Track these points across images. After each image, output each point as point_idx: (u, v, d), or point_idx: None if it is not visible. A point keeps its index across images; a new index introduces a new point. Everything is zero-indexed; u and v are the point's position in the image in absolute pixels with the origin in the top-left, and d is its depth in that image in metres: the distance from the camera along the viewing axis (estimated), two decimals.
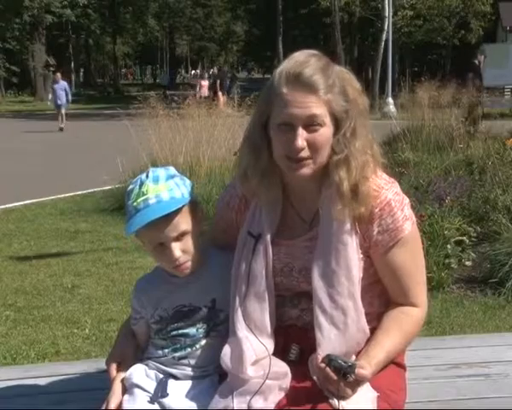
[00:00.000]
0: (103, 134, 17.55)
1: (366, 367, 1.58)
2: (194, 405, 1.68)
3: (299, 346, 1.71)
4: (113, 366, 1.78)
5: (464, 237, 5.19)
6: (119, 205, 7.69)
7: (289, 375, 1.64)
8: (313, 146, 1.62)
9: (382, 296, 1.77)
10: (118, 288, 5.16)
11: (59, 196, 9.36)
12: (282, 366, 1.65)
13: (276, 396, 1.61)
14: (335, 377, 1.55)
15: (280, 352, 1.70)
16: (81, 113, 29.54)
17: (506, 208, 5.73)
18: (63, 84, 21.46)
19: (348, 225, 1.67)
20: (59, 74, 22.73)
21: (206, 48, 73.20)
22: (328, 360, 1.56)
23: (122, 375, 1.75)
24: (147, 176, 1.72)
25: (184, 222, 1.72)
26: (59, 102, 20.76)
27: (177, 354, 1.77)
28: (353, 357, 1.65)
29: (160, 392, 1.71)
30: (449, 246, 5.00)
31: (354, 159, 1.64)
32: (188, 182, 1.79)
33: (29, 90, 44.87)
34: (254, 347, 1.66)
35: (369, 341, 1.69)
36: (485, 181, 6.61)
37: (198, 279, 1.77)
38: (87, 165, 11.90)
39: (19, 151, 15.26)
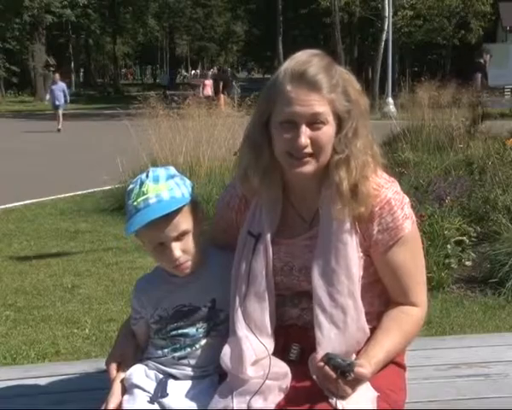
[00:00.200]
0: (103, 134, 17.55)
1: (365, 366, 1.58)
2: (193, 405, 1.68)
3: (299, 346, 1.71)
4: (113, 367, 1.78)
5: (464, 237, 5.18)
6: (119, 205, 7.69)
7: (289, 375, 1.64)
8: (316, 144, 1.62)
9: (382, 296, 1.77)
10: (118, 288, 5.16)
11: (59, 196, 9.36)
12: (282, 367, 1.65)
13: (276, 396, 1.61)
14: (334, 376, 1.55)
15: (280, 352, 1.70)
16: (81, 113, 29.58)
17: (506, 208, 5.73)
18: (61, 85, 21.38)
19: (348, 225, 1.67)
20: (57, 75, 22.68)
21: (206, 48, 73.24)
22: (327, 358, 1.56)
23: (122, 375, 1.75)
24: (147, 176, 1.72)
25: (185, 222, 1.72)
26: (57, 102, 20.67)
27: (176, 354, 1.77)
28: (353, 356, 1.65)
29: (160, 392, 1.71)
30: (449, 246, 5.00)
31: (355, 159, 1.64)
32: (188, 182, 1.79)
33: (29, 90, 44.89)
34: (254, 347, 1.66)
35: (368, 340, 1.69)
36: (485, 181, 6.61)
37: (198, 279, 1.77)
38: (87, 165, 11.90)
39: (19, 151, 15.26)
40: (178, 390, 1.72)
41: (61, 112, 20.66)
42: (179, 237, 1.71)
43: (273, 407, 1.60)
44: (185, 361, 1.76)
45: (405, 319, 1.73)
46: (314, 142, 1.62)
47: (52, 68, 38.99)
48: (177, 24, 63.06)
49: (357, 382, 1.56)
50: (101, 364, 1.96)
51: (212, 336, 1.77)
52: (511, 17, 31.98)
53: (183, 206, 1.71)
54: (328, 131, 1.63)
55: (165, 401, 1.69)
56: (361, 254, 1.70)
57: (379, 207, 1.68)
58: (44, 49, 44.06)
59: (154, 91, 14.35)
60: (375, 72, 25.52)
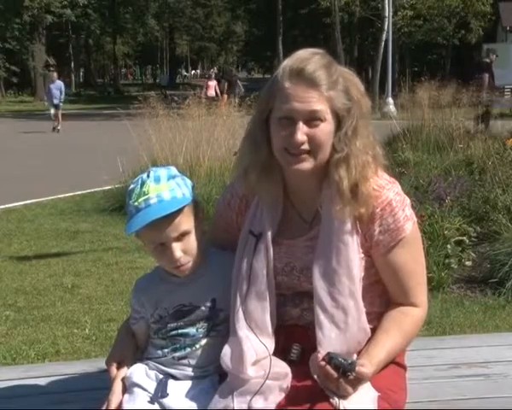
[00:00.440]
0: (103, 134, 17.54)
1: (366, 365, 1.58)
2: (194, 405, 1.68)
3: (300, 346, 1.71)
4: (113, 366, 1.78)
5: (464, 237, 5.19)
6: (119, 205, 7.70)
7: (290, 375, 1.64)
8: (313, 141, 1.62)
9: (383, 296, 1.77)
10: (118, 288, 5.16)
11: (59, 196, 9.36)
12: (282, 367, 1.65)
13: (277, 396, 1.61)
14: (336, 375, 1.55)
15: (281, 351, 1.70)
16: (81, 113, 29.58)
17: (506, 208, 5.74)
18: (59, 83, 21.25)
19: (349, 225, 1.67)
20: (55, 74, 22.56)
21: (206, 48, 73.22)
22: (329, 358, 1.56)
23: (122, 375, 1.75)
24: (148, 176, 1.72)
25: (185, 222, 1.72)
26: (55, 101, 20.57)
27: (176, 354, 1.77)
28: (354, 356, 1.65)
29: (160, 392, 1.71)
30: (449, 246, 5.01)
31: (354, 158, 1.64)
32: (189, 182, 1.78)
33: (29, 90, 44.90)
34: (255, 347, 1.66)
35: (369, 340, 1.69)
36: (485, 181, 6.62)
37: (198, 279, 1.77)
38: (87, 165, 11.90)
39: (19, 151, 15.26)
40: (178, 390, 1.72)
41: (59, 112, 20.63)
42: (180, 238, 1.71)
43: (274, 406, 1.60)
44: (185, 361, 1.76)
45: (406, 320, 1.73)
46: (311, 139, 1.62)
47: (52, 68, 38.99)
48: (177, 24, 63.04)
49: (358, 381, 1.56)
50: (101, 364, 1.96)
51: (212, 336, 1.76)
52: (511, 17, 31.97)
53: (184, 206, 1.71)
54: (325, 129, 1.63)
55: (165, 401, 1.69)
56: (362, 255, 1.70)
57: (380, 208, 1.68)
58: (44, 49, 44.08)
59: (154, 91, 14.36)
60: (375, 72, 25.54)
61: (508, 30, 32.37)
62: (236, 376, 1.63)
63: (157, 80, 62.72)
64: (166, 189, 1.70)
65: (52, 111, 20.49)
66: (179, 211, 1.70)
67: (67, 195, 9.44)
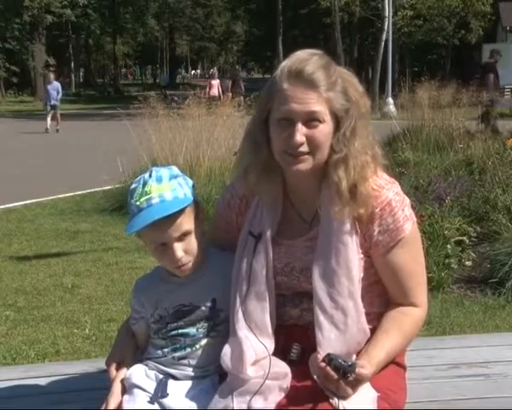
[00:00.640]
0: (103, 134, 17.54)
1: (366, 366, 1.58)
2: (194, 405, 1.68)
3: (300, 346, 1.71)
4: (113, 367, 1.78)
5: (464, 237, 5.19)
6: (119, 205, 7.70)
7: (289, 375, 1.64)
8: (312, 142, 1.62)
9: (383, 296, 1.77)
10: (118, 288, 5.16)
11: (59, 196, 9.36)
12: (282, 367, 1.65)
13: (277, 396, 1.61)
14: (336, 377, 1.55)
15: (280, 351, 1.70)
16: (81, 113, 29.57)
17: (506, 208, 5.74)
18: (56, 84, 21.16)
19: (348, 225, 1.67)
20: (52, 74, 22.47)
21: (206, 48, 73.25)
22: (329, 359, 1.56)
23: (122, 375, 1.75)
24: (150, 175, 1.72)
25: (187, 222, 1.72)
26: (53, 102, 20.47)
27: (176, 354, 1.77)
28: (354, 357, 1.65)
29: (160, 392, 1.71)
30: (449, 246, 5.00)
31: (353, 158, 1.64)
32: (190, 182, 1.78)
33: (29, 90, 44.93)
34: (254, 347, 1.66)
35: (369, 341, 1.69)
36: (485, 181, 6.62)
37: (198, 279, 1.77)
38: (87, 165, 11.91)
39: (19, 151, 15.26)
40: (178, 390, 1.72)
41: (58, 111, 20.52)
42: (181, 238, 1.71)
43: (273, 406, 1.60)
44: (185, 361, 1.76)
45: (405, 320, 1.73)
46: (310, 140, 1.62)
47: (52, 68, 38.98)
48: (177, 24, 63.07)
49: (357, 382, 1.56)
50: (101, 364, 1.96)
51: (212, 336, 1.76)
52: (511, 17, 31.96)
53: (186, 206, 1.71)
54: (324, 130, 1.63)
55: (165, 401, 1.69)
56: (361, 256, 1.70)
57: (379, 208, 1.68)
58: (44, 49, 44.10)
59: (154, 91, 14.36)
60: (375, 72, 25.54)
61: (508, 30, 32.35)
62: (236, 376, 1.63)
63: (157, 80, 62.75)
64: (168, 189, 1.70)
65: (50, 112, 20.37)
66: (181, 211, 1.70)
67: (67, 195, 9.44)
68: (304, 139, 1.62)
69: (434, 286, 4.73)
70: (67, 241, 6.78)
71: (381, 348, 1.67)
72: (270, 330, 1.70)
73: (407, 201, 1.73)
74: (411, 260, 1.74)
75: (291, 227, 1.76)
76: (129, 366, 1.77)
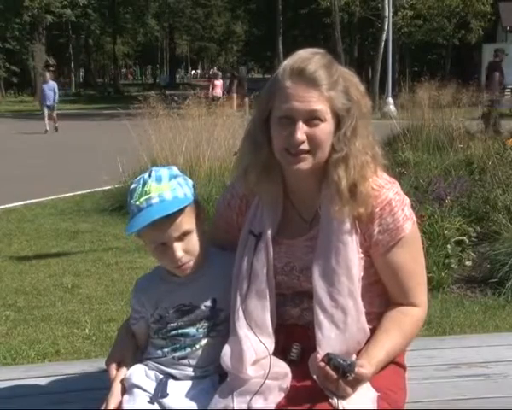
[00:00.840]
0: (103, 134, 17.54)
1: (366, 366, 1.58)
2: (194, 405, 1.68)
3: (300, 345, 1.71)
4: (113, 367, 1.77)
5: (464, 237, 5.19)
6: (119, 205, 7.70)
7: (289, 375, 1.64)
8: (313, 140, 1.63)
9: (382, 296, 1.77)
10: (118, 288, 5.16)
11: (59, 196, 9.37)
12: (282, 367, 1.65)
13: (277, 397, 1.61)
14: (335, 376, 1.55)
15: (280, 351, 1.70)
16: (81, 113, 29.58)
17: (506, 208, 5.74)
18: (52, 84, 20.83)
19: (348, 225, 1.67)
20: (48, 74, 22.17)
21: (206, 48, 73.25)
22: (328, 358, 1.56)
23: (122, 375, 1.75)
24: (150, 175, 1.72)
25: (187, 222, 1.72)
26: (48, 102, 20.17)
27: (176, 354, 1.77)
28: (354, 356, 1.65)
29: (160, 392, 1.71)
30: (449, 246, 5.01)
31: (353, 158, 1.65)
32: (190, 182, 1.78)
33: (29, 90, 44.93)
34: (255, 346, 1.66)
35: (369, 341, 1.69)
36: (485, 181, 6.62)
37: (199, 279, 1.77)
38: (87, 165, 11.91)
39: (19, 151, 15.26)
40: (178, 390, 1.72)
41: (55, 112, 20.25)
42: (181, 237, 1.71)
43: (273, 406, 1.60)
44: (185, 361, 1.76)
45: (405, 320, 1.73)
46: (311, 139, 1.62)
47: (52, 68, 38.98)
48: (177, 24, 63.06)
49: (357, 382, 1.56)
50: (101, 364, 1.96)
51: (212, 336, 1.76)
52: (511, 17, 31.96)
53: (186, 206, 1.71)
54: (325, 129, 1.63)
55: (165, 401, 1.69)
56: (361, 255, 1.70)
57: (379, 207, 1.68)
58: (44, 49, 44.11)
59: (154, 91, 14.36)
60: (375, 72, 25.53)
61: (508, 30, 32.35)
62: (236, 376, 1.63)
63: (157, 80, 62.81)
64: (168, 188, 1.70)
65: (46, 112, 20.13)
66: (181, 211, 1.70)
67: (67, 195, 9.44)
68: (304, 137, 1.62)
69: (434, 286, 4.73)
70: (67, 241, 6.78)
71: (380, 348, 1.67)
72: (270, 329, 1.70)
73: (407, 200, 1.73)
74: (411, 260, 1.74)
75: (291, 227, 1.76)
76: (129, 366, 1.77)
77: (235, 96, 19.29)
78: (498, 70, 15.13)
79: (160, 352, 1.79)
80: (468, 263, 5.15)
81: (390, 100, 21.81)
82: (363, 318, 1.68)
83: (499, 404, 1.94)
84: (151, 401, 1.69)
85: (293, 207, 1.78)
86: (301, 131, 1.61)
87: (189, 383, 1.74)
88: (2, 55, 41.52)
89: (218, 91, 21.84)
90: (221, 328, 1.76)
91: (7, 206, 8.68)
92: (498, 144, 8.14)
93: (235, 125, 8.51)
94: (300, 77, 1.61)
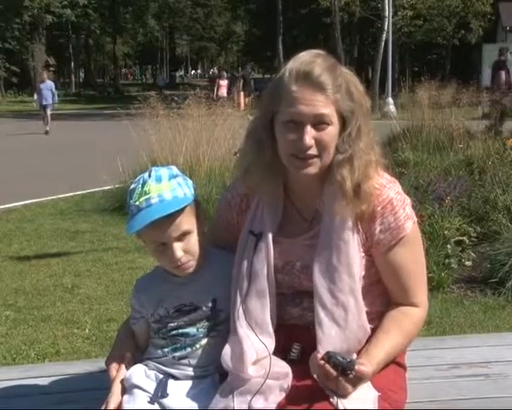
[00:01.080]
0: (103, 134, 17.56)
1: (366, 364, 1.58)
2: (194, 405, 1.68)
3: (300, 345, 1.71)
4: (113, 367, 1.77)
5: (464, 237, 5.19)
6: (119, 205, 7.70)
7: (290, 375, 1.64)
8: (320, 144, 1.63)
9: (383, 296, 1.77)
10: (118, 288, 5.16)
11: (59, 196, 9.36)
12: (283, 366, 1.65)
13: (277, 396, 1.61)
14: (335, 374, 1.55)
15: (281, 350, 1.70)
16: (81, 113, 29.58)
17: (506, 208, 5.73)
18: (50, 83, 20.59)
19: (350, 223, 1.68)
20: (45, 73, 21.96)
21: (206, 48, 73.31)
22: (328, 356, 1.56)
23: (122, 375, 1.75)
24: (149, 175, 1.72)
25: (187, 222, 1.72)
26: (44, 102, 19.89)
27: (177, 354, 1.77)
28: (354, 356, 1.65)
29: (160, 392, 1.71)
30: (449, 246, 5.01)
31: (358, 158, 1.65)
32: (190, 182, 1.78)
33: (29, 90, 44.88)
34: (255, 346, 1.66)
35: (369, 340, 1.69)
36: (485, 181, 6.61)
37: (199, 279, 1.77)
38: (87, 165, 11.90)
39: (19, 151, 15.27)
40: (179, 390, 1.72)
41: (49, 112, 19.92)
42: (181, 237, 1.71)
43: (274, 406, 1.60)
44: (185, 361, 1.76)
45: (406, 320, 1.73)
46: (318, 142, 1.63)
47: (52, 68, 38.97)
48: (177, 24, 63.07)
49: (358, 380, 1.56)
50: (101, 364, 1.96)
51: (212, 335, 1.76)
52: (511, 17, 31.96)
53: (186, 206, 1.71)
54: (331, 132, 1.64)
55: (165, 401, 1.69)
56: (362, 254, 1.70)
57: (381, 206, 1.69)
58: (44, 49, 44.13)
59: (154, 91, 14.37)
60: (375, 72, 25.52)
61: (508, 30, 32.34)
62: (237, 375, 1.63)
63: (156, 80, 62.83)
64: (168, 188, 1.70)
65: (49, 112, 19.97)
66: (180, 211, 1.69)
67: (67, 195, 9.44)
68: (313, 142, 1.62)
69: (434, 286, 4.73)
70: (67, 241, 6.78)
71: (381, 347, 1.67)
72: (270, 328, 1.70)
73: (408, 200, 1.74)
74: (412, 260, 1.74)
75: (291, 226, 1.76)
76: (129, 366, 1.77)
77: (242, 94, 19.11)
78: (504, 69, 15.12)
79: (160, 352, 1.79)
80: (468, 263, 5.14)
81: (390, 100, 21.81)
82: (364, 316, 1.69)
83: (499, 404, 1.94)
84: (151, 401, 1.69)
85: (293, 206, 1.78)
86: (309, 135, 1.61)
87: (189, 383, 1.74)
88: (2, 55, 41.53)
89: (224, 91, 21.53)
90: (221, 328, 1.76)
91: (7, 206, 8.68)
92: (498, 144, 8.14)
93: (235, 125, 8.50)
94: (306, 80, 1.61)
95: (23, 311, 4.69)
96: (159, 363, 1.77)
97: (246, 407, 1.58)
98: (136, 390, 1.71)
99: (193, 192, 1.76)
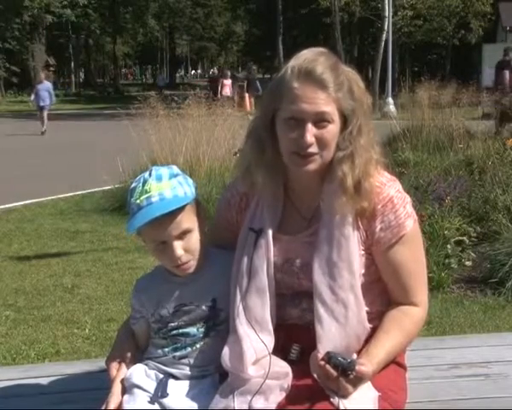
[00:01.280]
0: (103, 134, 17.55)
1: (366, 364, 1.58)
2: (194, 405, 1.68)
3: (299, 346, 1.71)
4: (113, 366, 1.77)
5: (464, 237, 5.19)
6: (119, 205, 7.70)
7: (290, 375, 1.64)
8: (321, 142, 1.63)
9: (383, 295, 1.77)
10: (118, 288, 5.16)
11: (59, 196, 9.36)
12: (282, 366, 1.65)
13: (277, 396, 1.61)
14: (335, 374, 1.55)
15: (280, 350, 1.70)
16: (81, 113, 29.59)
17: (506, 208, 5.73)
18: (47, 84, 20.41)
19: (350, 220, 1.68)
20: (42, 74, 21.89)
21: (206, 48, 73.27)
22: (328, 357, 1.56)
23: (122, 375, 1.75)
24: (150, 174, 1.72)
25: (187, 221, 1.72)
26: (41, 103, 19.67)
27: (177, 354, 1.77)
28: (354, 356, 1.65)
29: (160, 392, 1.71)
30: (449, 246, 5.01)
31: (359, 156, 1.66)
32: (191, 181, 1.78)
33: (29, 91, 44.83)
34: (255, 345, 1.65)
35: (369, 340, 1.69)
36: (485, 181, 6.61)
37: (199, 278, 1.77)
38: (87, 165, 11.90)
39: (19, 151, 15.26)
40: (179, 390, 1.72)
41: (45, 113, 19.75)
42: (181, 236, 1.71)
43: (274, 406, 1.60)
44: (185, 361, 1.76)
45: (406, 319, 1.73)
46: (319, 140, 1.63)
47: (52, 68, 38.97)
48: (177, 24, 63.02)
49: (358, 380, 1.56)
50: (100, 364, 1.97)
51: (212, 335, 1.76)
52: (511, 17, 31.96)
53: (186, 204, 1.71)
54: (332, 130, 1.64)
55: (165, 401, 1.69)
56: (362, 252, 1.70)
57: (381, 204, 1.69)
58: (44, 49, 44.12)
59: (154, 91, 14.37)
60: (375, 72, 25.52)
61: (508, 30, 32.34)
62: (237, 375, 1.63)
63: (156, 80, 62.82)
64: (168, 187, 1.70)
65: (45, 113, 19.79)
66: (181, 209, 1.70)
67: (67, 195, 9.44)
68: (313, 140, 1.62)
69: (434, 286, 4.73)
70: (67, 241, 6.78)
71: (381, 347, 1.67)
72: (270, 325, 1.70)
73: (408, 199, 1.74)
74: (412, 259, 1.74)
75: (291, 223, 1.76)
76: (129, 365, 1.77)
77: (247, 96, 18.95)
78: (508, 68, 15.09)
79: (160, 351, 1.79)
80: (468, 263, 5.14)
81: (390, 100, 21.80)
82: (364, 313, 1.69)
83: (499, 404, 1.94)
84: (151, 401, 1.69)
85: (292, 204, 1.78)
86: (310, 133, 1.61)
87: (189, 383, 1.74)
88: (2, 55, 41.52)
89: (228, 91, 21.37)
90: (221, 328, 1.76)
91: (7, 206, 8.68)
92: (498, 144, 8.13)
93: (235, 125, 8.51)
94: (308, 78, 1.61)
95: (23, 311, 4.69)
96: (159, 363, 1.77)
97: (246, 407, 1.58)
98: (136, 390, 1.71)
99: (193, 191, 1.76)
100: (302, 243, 1.73)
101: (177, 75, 74.74)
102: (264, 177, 1.72)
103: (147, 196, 1.69)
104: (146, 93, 10.86)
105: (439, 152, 9.53)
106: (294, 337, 1.73)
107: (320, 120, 1.62)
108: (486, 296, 4.73)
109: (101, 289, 5.15)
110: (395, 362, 1.76)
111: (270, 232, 1.73)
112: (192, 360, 1.76)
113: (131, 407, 1.68)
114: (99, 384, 1.92)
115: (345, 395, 1.56)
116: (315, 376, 1.60)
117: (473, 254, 5.20)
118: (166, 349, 1.78)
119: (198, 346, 1.76)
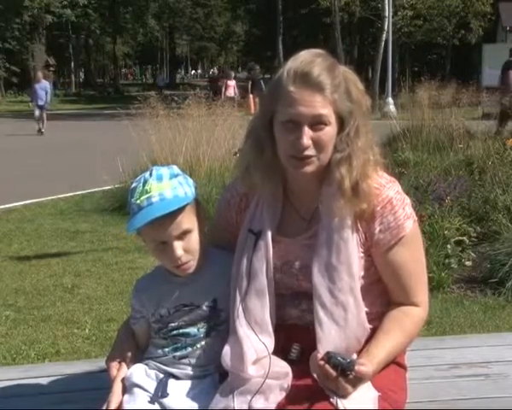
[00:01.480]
0: (103, 134, 17.56)
1: (366, 364, 1.58)
2: (194, 405, 1.68)
3: (300, 345, 1.71)
4: (114, 366, 1.77)
5: (464, 237, 5.19)
6: (119, 205, 7.70)
7: (290, 375, 1.64)
8: (318, 144, 1.63)
9: (383, 296, 1.77)
10: (118, 288, 5.16)
11: (59, 196, 9.36)
12: (283, 366, 1.65)
13: (277, 396, 1.61)
14: (335, 374, 1.55)
15: (280, 350, 1.70)
16: (81, 113, 29.59)
17: (506, 208, 5.73)
18: (45, 83, 20.42)
19: (349, 222, 1.68)
20: (40, 73, 21.84)
21: (206, 48, 73.30)
22: (328, 357, 1.56)
23: (122, 375, 1.75)
24: (150, 174, 1.72)
25: (187, 221, 1.72)
26: (40, 102, 19.71)
27: (177, 354, 1.77)
28: (354, 356, 1.65)
29: (161, 392, 1.71)
30: (449, 246, 5.01)
31: (356, 158, 1.65)
32: (191, 181, 1.79)
33: (29, 90, 44.91)
34: (255, 345, 1.66)
35: (370, 341, 1.69)
36: (485, 181, 6.61)
37: (199, 278, 1.77)
38: (87, 165, 11.90)
39: (19, 151, 15.26)
40: (179, 390, 1.72)
41: (44, 112, 19.80)
42: (181, 236, 1.71)
43: (274, 406, 1.60)
44: (186, 361, 1.76)
45: (406, 320, 1.73)
46: (316, 143, 1.63)
47: (52, 68, 38.96)
48: (177, 24, 63.03)
49: (358, 380, 1.56)
50: (101, 364, 1.96)
51: (212, 335, 1.76)
52: (511, 17, 31.96)
53: (186, 205, 1.71)
54: (329, 132, 1.64)
55: (165, 400, 1.69)
56: (362, 254, 1.70)
57: (380, 206, 1.69)
58: (44, 49, 44.12)
59: (154, 91, 14.37)
60: (375, 72, 25.52)
61: (508, 30, 32.34)
62: (237, 375, 1.63)
63: (156, 80, 62.84)
64: (168, 187, 1.70)
65: (37, 112, 19.71)
66: (181, 209, 1.70)
67: (67, 195, 9.44)
68: (310, 143, 1.62)
69: (434, 286, 4.73)
70: (67, 241, 6.78)
71: (381, 347, 1.67)
72: (270, 327, 1.70)
73: (407, 200, 1.74)
74: (412, 259, 1.74)
75: (290, 225, 1.76)
76: (129, 365, 1.77)
77: (251, 97, 18.86)
78: None
79: (160, 351, 1.79)
80: (468, 263, 5.15)
81: (390, 100, 21.81)
82: (364, 315, 1.69)
83: (499, 404, 1.94)
84: (151, 401, 1.69)
85: (291, 205, 1.78)
86: (307, 136, 1.61)
87: (189, 383, 1.74)
88: (2, 55, 41.52)
89: (232, 91, 21.22)
90: (221, 328, 1.76)
91: (7, 206, 8.68)
92: (498, 144, 8.14)
93: (235, 125, 8.51)
94: (305, 81, 1.61)
95: (23, 311, 4.69)
96: (159, 362, 1.78)
97: (246, 406, 1.59)
98: (136, 390, 1.71)
99: (194, 191, 1.76)
100: (301, 245, 1.73)
101: (177, 75, 74.70)
102: (263, 177, 1.72)
103: (147, 196, 1.69)
104: (146, 93, 10.86)
105: (439, 152, 9.53)
106: (294, 337, 1.73)
107: (317, 122, 1.62)
108: (486, 296, 4.73)
109: (101, 289, 5.15)
110: (395, 362, 1.76)
111: (270, 234, 1.73)
112: (192, 360, 1.76)
113: (132, 407, 1.68)
114: (99, 384, 1.92)
115: (344, 395, 1.56)
116: (315, 376, 1.61)
117: (473, 254, 5.20)
118: (167, 349, 1.78)
119: (198, 346, 1.76)
